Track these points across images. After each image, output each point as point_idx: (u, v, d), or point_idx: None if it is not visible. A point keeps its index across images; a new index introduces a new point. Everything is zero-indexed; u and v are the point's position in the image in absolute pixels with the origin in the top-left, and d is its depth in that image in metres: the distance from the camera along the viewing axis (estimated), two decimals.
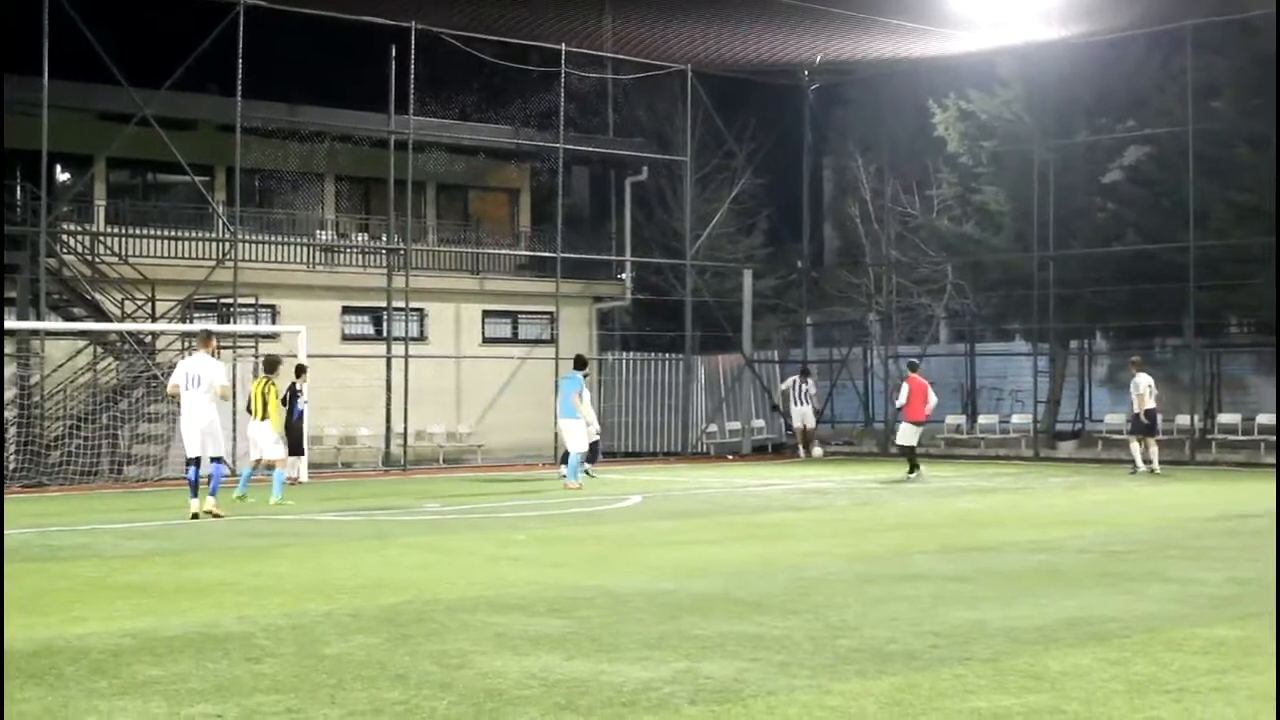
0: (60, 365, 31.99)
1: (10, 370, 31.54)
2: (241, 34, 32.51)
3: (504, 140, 41.11)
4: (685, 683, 8.81)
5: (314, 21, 34.36)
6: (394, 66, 35.59)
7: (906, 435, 30.55)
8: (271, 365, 24.92)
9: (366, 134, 37.77)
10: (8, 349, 31.70)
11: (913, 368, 31.39)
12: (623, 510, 22.99)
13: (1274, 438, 35.96)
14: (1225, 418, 38.44)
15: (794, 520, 20.86)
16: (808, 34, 38.01)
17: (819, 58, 40.91)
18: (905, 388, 30.53)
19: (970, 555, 15.87)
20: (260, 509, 22.80)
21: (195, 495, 21.10)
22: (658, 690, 8.60)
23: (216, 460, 21.31)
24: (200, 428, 20.84)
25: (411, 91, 35.81)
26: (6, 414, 30.97)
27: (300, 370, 27.18)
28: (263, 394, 24.40)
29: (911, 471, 29.78)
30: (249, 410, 25.17)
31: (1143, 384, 31.22)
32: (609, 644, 10.16)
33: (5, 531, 19.54)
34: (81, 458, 30.70)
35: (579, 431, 27.86)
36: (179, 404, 21.26)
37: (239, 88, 33.07)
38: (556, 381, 28.97)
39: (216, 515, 21.04)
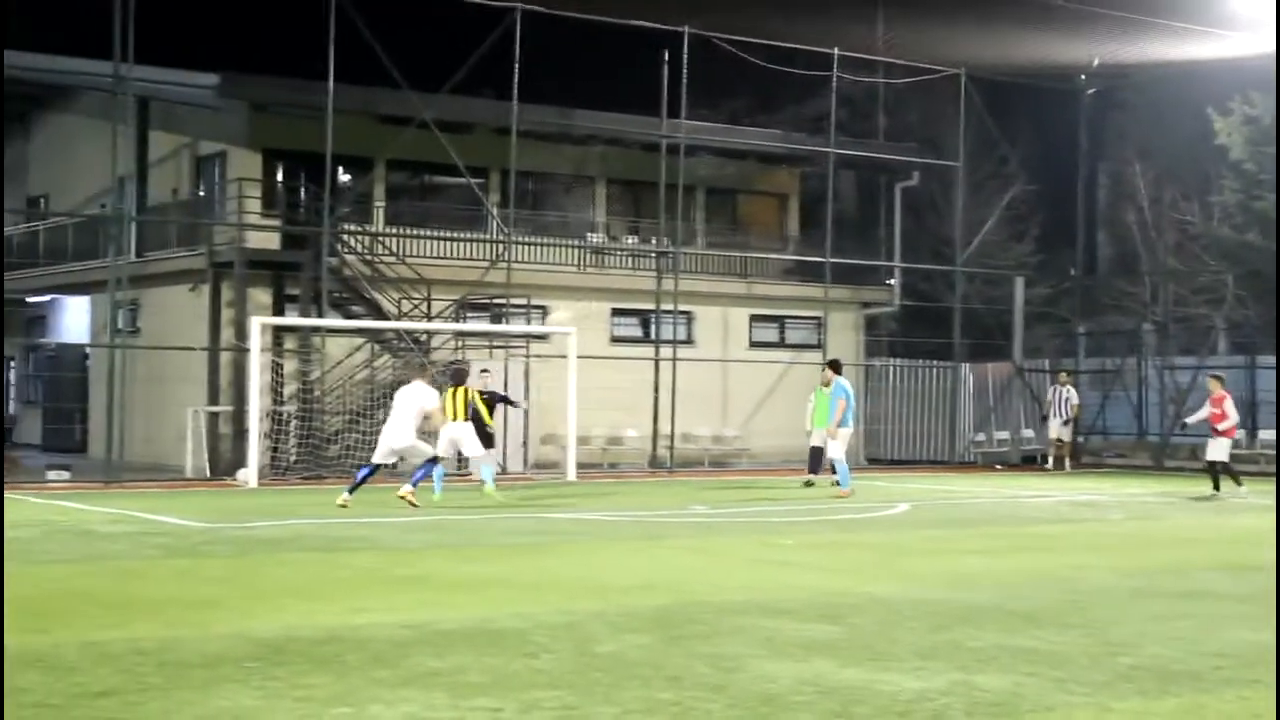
0: (340, 362, 32.89)
1: (293, 366, 32.58)
2: (518, 38, 33.08)
3: (774, 144, 41.11)
4: (960, 694, 8.71)
5: (587, 25, 34.76)
6: (666, 70, 35.83)
7: (1214, 450, 28.67)
8: (459, 376, 25.24)
9: (637, 137, 38.09)
10: (290, 345, 32.76)
11: (1219, 381, 29.35)
12: (890, 518, 22.82)
13: None
14: None
15: (1066, 532, 20.47)
16: (1084, 36, 37.27)
17: (1095, 61, 40.09)
18: (1208, 403, 28.80)
19: (1253, 574, 15.36)
20: (471, 504, 23.24)
21: (351, 492, 22.68)
22: (933, 701, 8.51)
23: (432, 461, 23.11)
24: (394, 446, 22.88)
25: (683, 95, 36.02)
26: (289, 408, 32.00)
27: (482, 372, 27.64)
28: (453, 399, 24.50)
29: (1217, 488, 28.23)
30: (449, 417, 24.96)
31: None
32: (882, 652, 10.10)
33: (275, 521, 20.22)
34: (359, 452, 31.53)
35: (843, 438, 27.67)
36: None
37: (515, 91, 33.65)
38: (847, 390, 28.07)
39: (412, 504, 22.19)
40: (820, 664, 9.62)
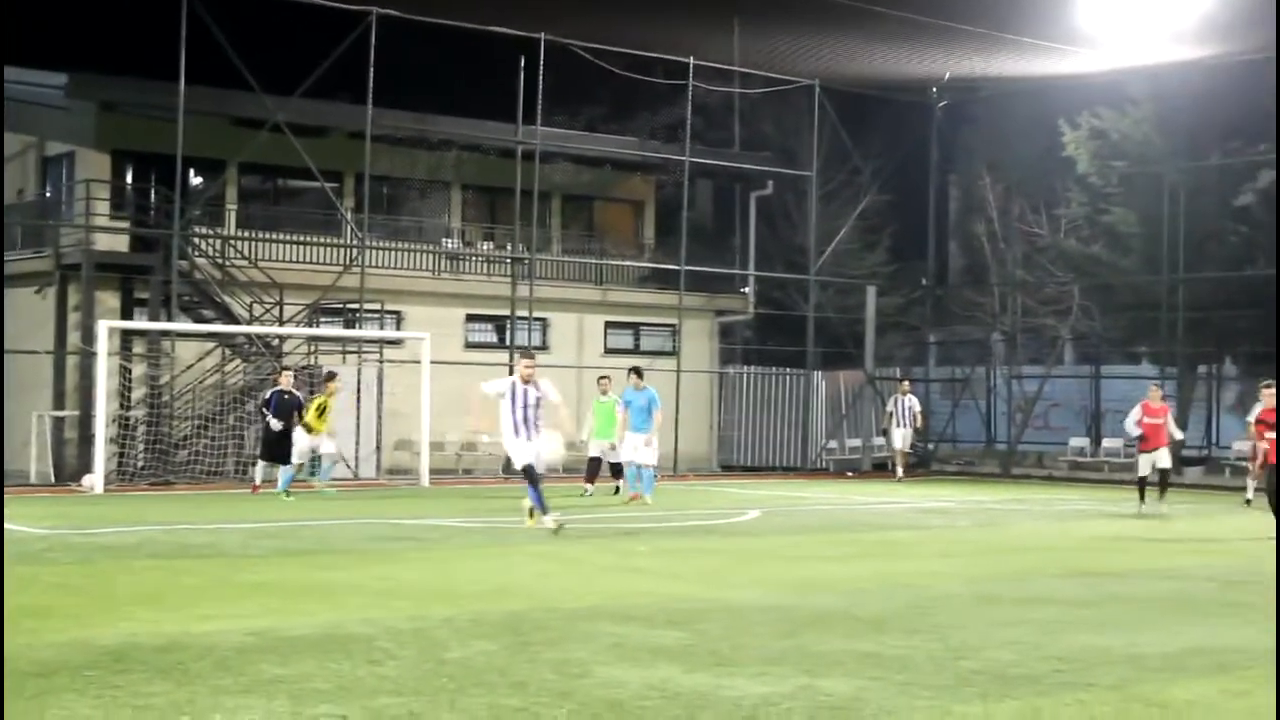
0: (189, 366, 32.48)
1: (140, 370, 32.11)
2: (373, 43, 32.88)
3: (629, 152, 41.25)
4: (804, 699, 8.78)
5: (444, 31, 34.66)
6: (522, 77, 35.80)
7: (1163, 459, 26.60)
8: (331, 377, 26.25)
9: (493, 143, 38.06)
10: (138, 349, 32.29)
11: (1159, 388, 27.53)
12: (741, 524, 22.95)
13: None
14: None
15: (914, 539, 20.71)
16: (936, 51, 37.80)
17: (947, 74, 40.67)
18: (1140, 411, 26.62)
19: (1095, 580, 15.67)
20: (323, 510, 23.03)
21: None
22: (777, 705, 8.57)
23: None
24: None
25: (539, 102, 36.01)
26: (137, 413, 31.54)
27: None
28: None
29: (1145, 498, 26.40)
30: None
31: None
32: (728, 658, 10.15)
33: (121, 528, 19.91)
34: (208, 457, 31.19)
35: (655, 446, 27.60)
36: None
37: (370, 96, 33.46)
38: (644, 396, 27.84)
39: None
40: (667, 669, 9.65)
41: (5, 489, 28.63)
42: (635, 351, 40.77)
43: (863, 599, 13.54)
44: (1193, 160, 39.39)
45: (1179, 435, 26.19)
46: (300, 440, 27.52)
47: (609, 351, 40.28)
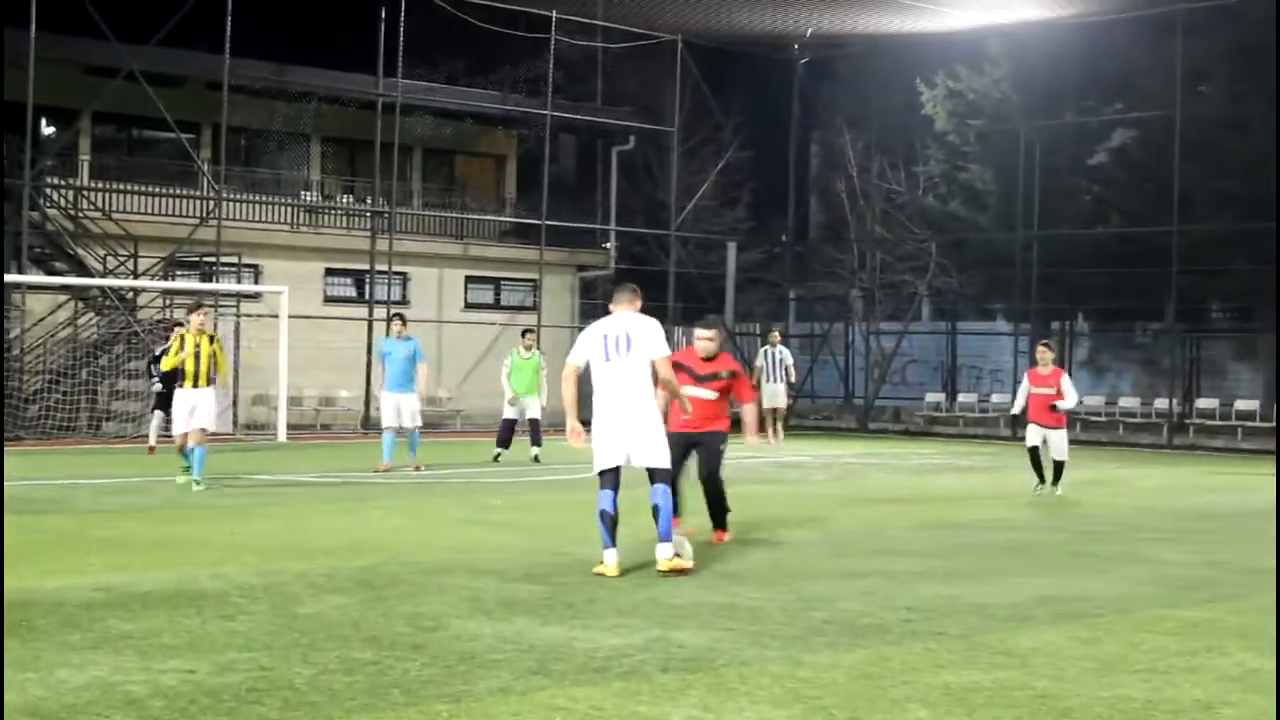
0: (41, 319, 31.91)
1: None
2: None
3: (492, 106, 41.02)
4: (657, 650, 8.82)
5: None
6: (383, 28, 35.45)
7: (1057, 446, 21.08)
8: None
9: (354, 96, 37.70)
10: None
11: (1048, 348, 21.86)
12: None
13: (1252, 424, 36.16)
14: (1203, 403, 38.58)
15: (770, 493, 20.86)
16: (799, 6, 37.94)
17: (809, 31, 40.84)
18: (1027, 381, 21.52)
19: (946, 532, 15.91)
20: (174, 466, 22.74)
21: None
22: (630, 657, 8.61)
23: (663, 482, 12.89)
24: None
25: (400, 54, 35.69)
26: None
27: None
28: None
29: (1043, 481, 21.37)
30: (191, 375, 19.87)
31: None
32: (583, 610, 10.18)
33: None
34: (60, 412, 30.66)
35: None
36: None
37: (227, 45, 32.97)
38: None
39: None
40: (521, 622, 9.66)
41: None
42: (496, 307, 40.69)
43: (717, 552, 13.63)
44: (1048, 119, 39.93)
45: (1067, 403, 20.97)
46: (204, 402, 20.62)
47: (470, 306, 40.16)
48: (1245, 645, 9.38)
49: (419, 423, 24.00)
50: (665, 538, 12.22)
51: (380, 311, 35.63)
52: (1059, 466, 20.84)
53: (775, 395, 32.04)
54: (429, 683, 7.87)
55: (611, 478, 12.52)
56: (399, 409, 23.46)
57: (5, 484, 19.56)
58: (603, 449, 12.75)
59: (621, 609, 10.25)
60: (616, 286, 13.59)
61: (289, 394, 32.37)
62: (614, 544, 12.15)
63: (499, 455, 26.02)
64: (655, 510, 12.37)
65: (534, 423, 26.48)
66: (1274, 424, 34.72)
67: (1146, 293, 39.77)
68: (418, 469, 23.33)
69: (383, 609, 10.08)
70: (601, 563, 12.05)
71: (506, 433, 26.47)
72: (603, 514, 12.32)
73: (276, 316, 32.26)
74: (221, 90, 33.36)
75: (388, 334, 25.24)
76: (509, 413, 26.48)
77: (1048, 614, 10.44)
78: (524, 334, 27.46)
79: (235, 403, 33.45)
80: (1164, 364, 39.13)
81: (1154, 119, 38.03)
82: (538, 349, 26.89)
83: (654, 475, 12.56)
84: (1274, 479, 22.32)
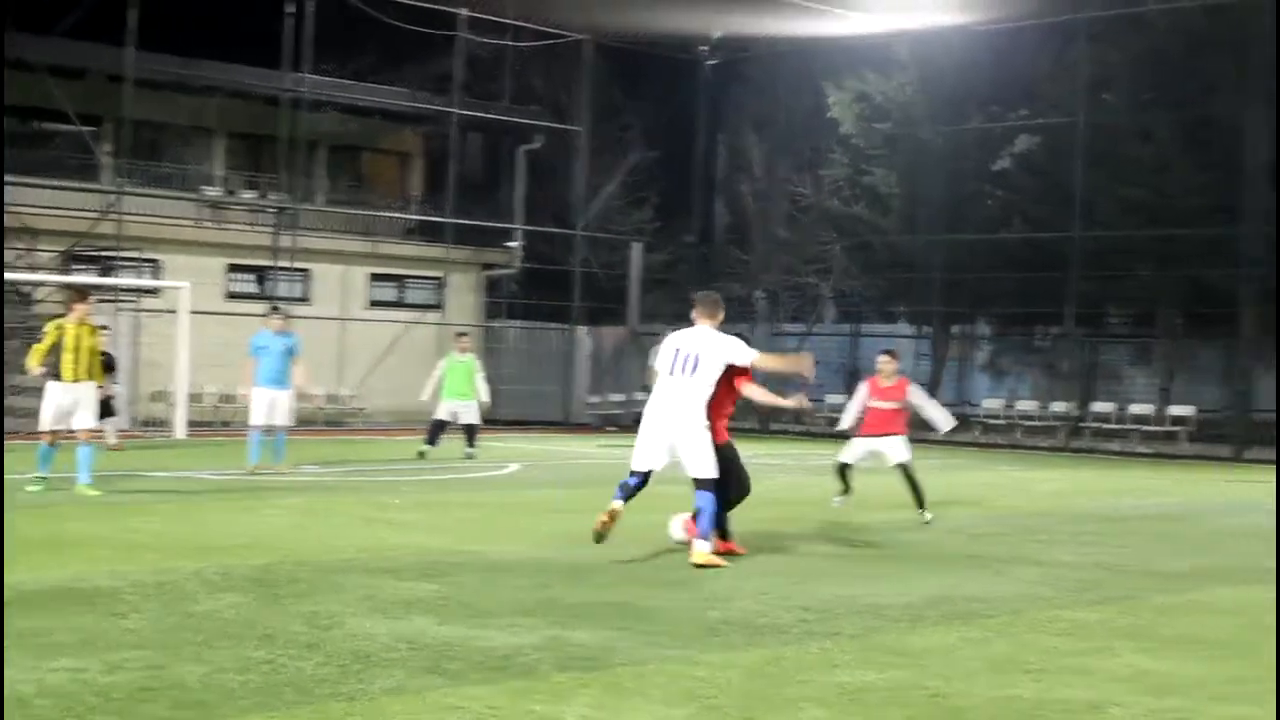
0: None
1: None
2: None
3: (398, 103, 40.86)
4: (553, 649, 8.84)
5: None
6: (289, 22, 35.21)
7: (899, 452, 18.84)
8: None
9: (259, 90, 37.42)
10: None
11: (892, 356, 19.68)
12: (501, 478, 22.99)
13: (1149, 428, 36.64)
14: (1100, 406, 39.03)
15: (672, 492, 20.84)
16: (708, 9, 38.07)
17: (717, 33, 41.00)
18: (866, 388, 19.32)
19: (843, 532, 16.03)
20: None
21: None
22: (526, 656, 8.62)
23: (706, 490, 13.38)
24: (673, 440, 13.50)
25: (307, 49, 35.46)
26: None
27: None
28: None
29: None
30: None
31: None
32: (481, 610, 10.17)
33: None
34: None
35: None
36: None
37: (131, 37, 32.63)
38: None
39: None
40: (418, 621, 9.64)
41: None
42: (401, 305, 40.51)
43: (615, 551, 13.61)
44: (954, 124, 40.29)
45: (942, 425, 19.32)
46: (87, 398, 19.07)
47: (374, 304, 39.94)
48: (1135, 646, 9.52)
49: (290, 422, 23.02)
50: (704, 537, 12.93)
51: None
52: (914, 484, 18.09)
53: None
54: (323, 681, 7.84)
55: (641, 476, 13.40)
56: (272, 405, 22.41)
57: None
58: (642, 450, 13.46)
59: (520, 608, 10.25)
60: (698, 294, 14.10)
61: (189, 391, 32.06)
62: (624, 500, 13.11)
63: (424, 453, 25.85)
64: (697, 513, 13.15)
65: (470, 428, 26.41)
66: (1229, 428, 35.26)
67: (1047, 297, 40.18)
68: (283, 473, 22.16)
69: (278, 607, 10.02)
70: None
71: (436, 432, 26.33)
72: (624, 484, 13.26)
73: (175, 312, 31.95)
74: (124, 83, 33.00)
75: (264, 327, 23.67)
76: (440, 413, 26.47)
77: (941, 614, 10.55)
78: (458, 336, 27.53)
79: (133, 400, 33.07)
80: (1063, 368, 39.58)
81: (1057, 126, 38.47)
82: (472, 352, 26.82)
83: (699, 484, 13.26)
84: (1164, 482, 22.63)
